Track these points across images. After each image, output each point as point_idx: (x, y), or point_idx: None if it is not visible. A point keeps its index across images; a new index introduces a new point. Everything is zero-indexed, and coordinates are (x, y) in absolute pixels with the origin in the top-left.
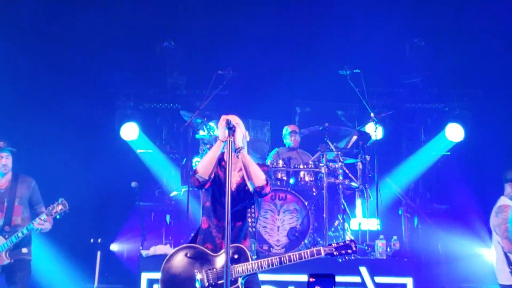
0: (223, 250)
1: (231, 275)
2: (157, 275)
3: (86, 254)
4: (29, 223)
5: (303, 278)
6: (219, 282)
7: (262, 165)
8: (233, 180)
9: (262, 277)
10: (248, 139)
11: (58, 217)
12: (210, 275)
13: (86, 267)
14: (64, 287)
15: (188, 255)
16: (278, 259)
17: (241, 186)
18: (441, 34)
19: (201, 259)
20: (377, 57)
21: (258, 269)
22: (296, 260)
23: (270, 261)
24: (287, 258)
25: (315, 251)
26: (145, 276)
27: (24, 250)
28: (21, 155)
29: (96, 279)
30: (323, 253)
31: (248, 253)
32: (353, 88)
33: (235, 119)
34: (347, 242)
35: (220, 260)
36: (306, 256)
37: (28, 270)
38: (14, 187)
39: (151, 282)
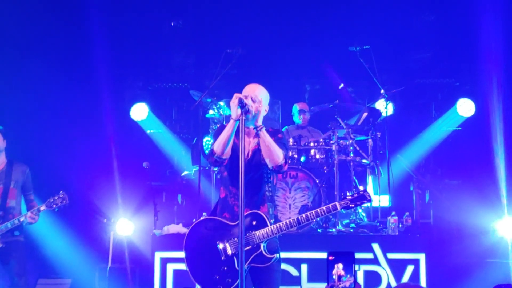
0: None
1: (253, 242)
2: (170, 254)
3: (100, 234)
4: (20, 208)
5: (315, 255)
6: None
7: (276, 132)
8: (248, 146)
9: None
10: (266, 112)
11: (57, 209)
12: (232, 245)
13: (99, 247)
14: (77, 267)
15: (207, 228)
16: (295, 220)
17: (258, 152)
18: (451, 8)
19: (221, 230)
20: (386, 32)
21: (278, 232)
22: (314, 218)
23: (288, 223)
24: (304, 217)
25: (331, 207)
26: (158, 255)
27: (16, 232)
28: (33, 137)
29: (109, 259)
30: (339, 208)
31: (266, 218)
32: (363, 65)
33: (259, 92)
34: (360, 192)
35: (239, 228)
36: (323, 213)
37: (23, 251)
38: (9, 171)
39: (164, 261)
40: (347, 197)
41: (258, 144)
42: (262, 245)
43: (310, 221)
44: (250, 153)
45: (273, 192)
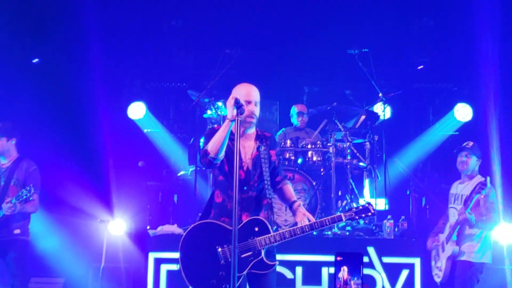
0: (242, 223)
1: (254, 248)
2: (164, 255)
3: (93, 233)
4: None
5: (310, 258)
6: (242, 256)
7: (271, 142)
8: (249, 151)
9: None
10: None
11: (25, 203)
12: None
13: (93, 246)
14: (70, 266)
15: (205, 232)
16: (300, 229)
17: (258, 158)
18: (450, 13)
19: (220, 234)
20: (385, 36)
21: (281, 239)
22: (318, 227)
23: (292, 231)
24: (308, 227)
25: (336, 218)
26: (152, 256)
27: (16, 230)
28: (29, 134)
29: (103, 258)
30: (344, 219)
31: (268, 224)
32: (362, 68)
33: (257, 95)
34: (365, 205)
35: (240, 233)
36: (328, 223)
37: (22, 251)
38: (14, 168)
39: (158, 261)
40: (352, 209)
41: (259, 150)
42: (263, 252)
43: (314, 230)
44: (250, 158)
45: (271, 200)
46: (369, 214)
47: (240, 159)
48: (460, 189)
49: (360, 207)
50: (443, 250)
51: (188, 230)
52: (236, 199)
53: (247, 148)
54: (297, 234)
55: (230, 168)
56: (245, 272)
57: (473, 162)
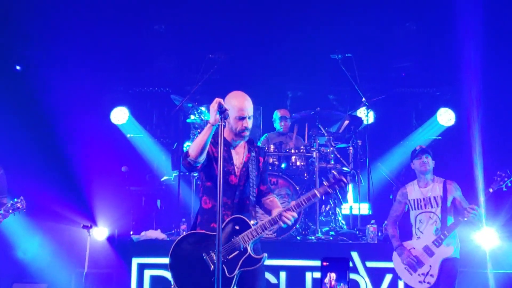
0: (225, 222)
1: (239, 246)
2: (148, 260)
3: (76, 238)
4: None
5: (294, 263)
6: (229, 256)
7: (259, 151)
8: (240, 157)
9: None
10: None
11: (14, 214)
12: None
13: (76, 252)
14: (53, 272)
15: (190, 243)
16: (278, 216)
17: (247, 164)
18: (433, 18)
19: (205, 241)
20: (369, 41)
21: (262, 230)
22: (296, 210)
23: (272, 220)
24: (284, 210)
25: (310, 195)
26: (135, 261)
27: None
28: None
29: (86, 263)
30: (318, 195)
31: (247, 220)
32: (345, 73)
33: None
34: (337, 177)
35: (223, 235)
36: (304, 203)
37: None
38: None
39: (141, 266)
40: (324, 183)
41: (249, 156)
42: (249, 248)
43: (292, 212)
44: (240, 166)
45: (255, 198)
46: (342, 183)
47: (232, 164)
48: (426, 192)
49: (332, 180)
50: (432, 254)
51: (173, 246)
52: (221, 202)
53: (239, 154)
54: (276, 221)
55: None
56: (236, 272)
57: (432, 163)
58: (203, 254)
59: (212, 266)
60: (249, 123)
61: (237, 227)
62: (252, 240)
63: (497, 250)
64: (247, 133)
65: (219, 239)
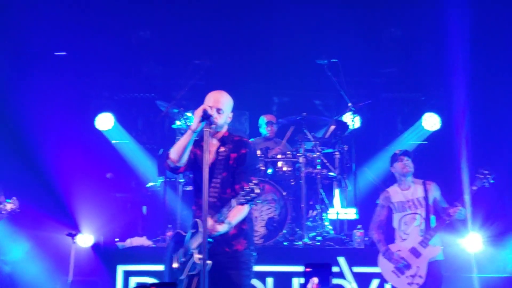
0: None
1: (189, 250)
2: (133, 267)
3: (60, 246)
4: None
5: (281, 268)
6: (182, 259)
7: (241, 145)
8: (210, 156)
9: None
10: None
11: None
12: (175, 256)
13: (61, 259)
14: (37, 280)
15: (172, 241)
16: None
17: (214, 164)
18: (418, 23)
19: (179, 242)
20: (354, 46)
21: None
22: (218, 220)
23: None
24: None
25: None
26: (120, 269)
27: None
28: None
29: (71, 271)
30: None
31: (199, 222)
32: (331, 78)
33: (224, 100)
34: (247, 189)
35: (187, 239)
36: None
37: None
38: None
39: (127, 274)
40: (240, 193)
41: (217, 154)
42: (194, 253)
43: (217, 221)
44: (211, 164)
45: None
46: (253, 195)
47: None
48: (409, 194)
49: (248, 189)
50: (419, 255)
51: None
52: (206, 209)
53: (211, 152)
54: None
55: (195, 176)
56: (183, 276)
57: (412, 165)
58: (174, 254)
59: (176, 264)
60: (215, 114)
61: (193, 231)
62: (196, 245)
63: (482, 254)
64: (213, 125)
65: (205, 238)
